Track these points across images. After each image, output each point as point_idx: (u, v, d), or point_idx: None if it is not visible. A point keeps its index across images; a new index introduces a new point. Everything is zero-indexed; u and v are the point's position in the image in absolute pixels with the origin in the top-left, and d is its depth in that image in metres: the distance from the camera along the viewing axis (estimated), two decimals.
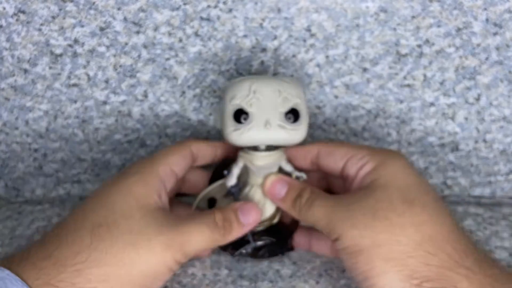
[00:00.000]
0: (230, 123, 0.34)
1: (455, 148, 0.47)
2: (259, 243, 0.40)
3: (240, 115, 0.34)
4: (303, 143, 0.37)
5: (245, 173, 0.38)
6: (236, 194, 0.39)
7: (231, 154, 0.39)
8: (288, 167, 0.38)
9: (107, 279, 0.30)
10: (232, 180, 0.38)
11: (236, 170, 0.38)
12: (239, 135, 0.34)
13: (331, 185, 0.40)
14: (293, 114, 0.34)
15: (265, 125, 0.34)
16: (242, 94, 0.34)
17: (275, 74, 0.42)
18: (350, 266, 0.31)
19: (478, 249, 0.31)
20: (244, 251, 0.40)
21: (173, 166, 0.36)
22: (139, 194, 0.33)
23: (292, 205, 0.35)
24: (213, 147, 0.39)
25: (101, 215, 0.31)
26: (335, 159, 0.36)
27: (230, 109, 0.34)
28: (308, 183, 0.39)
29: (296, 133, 0.35)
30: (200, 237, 0.33)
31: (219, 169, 0.42)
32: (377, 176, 0.33)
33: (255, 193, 0.38)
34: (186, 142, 0.38)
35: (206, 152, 0.39)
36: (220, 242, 0.35)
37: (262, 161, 0.36)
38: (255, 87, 0.34)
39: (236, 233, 0.35)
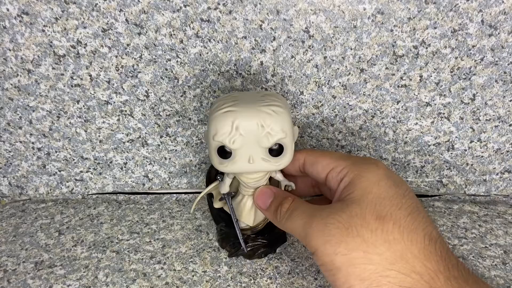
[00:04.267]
0: (215, 156, 0.34)
1: (451, 147, 0.47)
2: (251, 244, 0.41)
3: (223, 151, 0.34)
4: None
5: (236, 180, 0.39)
6: (229, 200, 0.40)
7: None
8: (278, 176, 0.38)
9: None
10: (224, 189, 0.39)
11: (227, 180, 0.39)
12: (224, 168, 0.34)
13: (323, 192, 0.40)
14: (277, 148, 0.34)
15: (249, 161, 0.34)
16: (224, 131, 0.32)
17: (273, 75, 0.43)
18: (330, 282, 0.32)
19: (453, 263, 0.30)
20: (239, 253, 0.41)
21: None
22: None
23: (274, 213, 0.36)
24: None
25: None
26: (318, 171, 0.36)
27: (214, 145, 0.34)
28: (301, 189, 0.40)
29: (280, 163, 0.35)
30: None
31: (213, 169, 0.43)
32: (353, 189, 0.32)
33: (247, 201, 0.39)
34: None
35: None
36: None
37: (250, 180, 0.37)
38: (237, 123, 0.32)
39: None
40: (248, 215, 0.39)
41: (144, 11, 0.39)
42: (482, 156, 0.47)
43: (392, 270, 0.29)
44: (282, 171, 0.38)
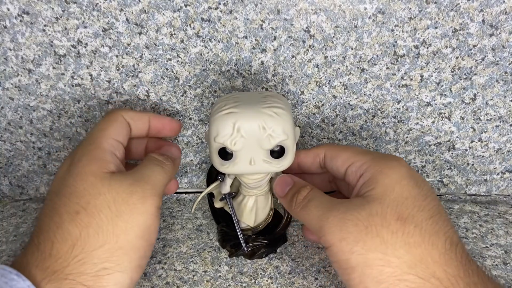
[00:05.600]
0: (216, 158, 0.34)
1: (452, 147, 0.47)
2: (252, 244, 0.41)
3: (225, 152, 0.33)
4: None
5: (237, 180, 0.39)
6: (230, 201, 0.40)
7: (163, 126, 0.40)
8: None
9: (111, 254, 0.30)
10: (225, 189, 0.39)
11: (228, 181, 0.39)
12: (225, 169, 0.34)
13: (339, 187, 0.40)
14: (278, 150, 0.33)
15: (250, 162, 0.34)
16: (226, 133, 0.32)
17: (274, 75, 0.43)
18: (344, 280, 0.31)
19: (473, 269, 0.29)
20: (240, 253, 0.41)
21: (115, 137, 0.35)
22: (96, 171, 0.32)
23: (290, 201, 0.35)
24: (144, 115, 0.39)
25: (72, 203, 0.31)
26: (337, 165, 0.35)
27: (215, 146, 0.33)
28: (318, 185, 0.38)
29: (281, 165, 0.34)
30: (159, 175, 0.34)
31: (213, 169, 0.43)
32: (374, 185, 0.31)
33: (248, 202, 0.39)
34: (116, 111, 0.37)
35: (139, 121, 0.38)
36: (173, 174, 0.37)
37: (251, 181, 0.37)
38: (239, 125, 0.32)
39: (178, 160, 0.39)
40: (249, 215, 0.39)
41: (145, 11, 0.39)
42: (483, 156, 0.47)
43: (411, 274, 0.28)
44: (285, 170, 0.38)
